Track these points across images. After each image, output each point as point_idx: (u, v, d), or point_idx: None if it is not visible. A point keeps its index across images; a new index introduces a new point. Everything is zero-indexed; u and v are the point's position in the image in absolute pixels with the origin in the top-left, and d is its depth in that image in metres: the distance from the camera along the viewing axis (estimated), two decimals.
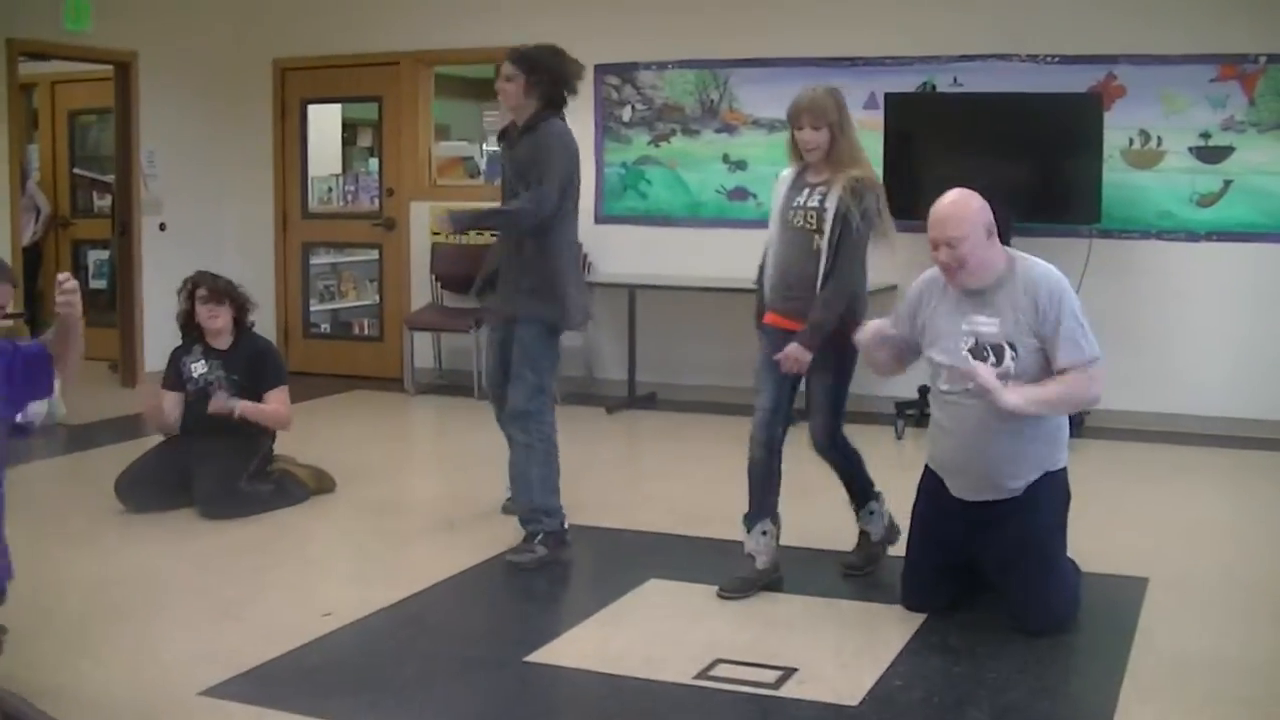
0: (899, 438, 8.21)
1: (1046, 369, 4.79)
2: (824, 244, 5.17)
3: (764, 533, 5.40)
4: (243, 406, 6.64)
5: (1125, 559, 5.75)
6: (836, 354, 5.30)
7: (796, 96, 5.28)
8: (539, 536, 5.82)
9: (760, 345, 5.46)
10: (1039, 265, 4.89)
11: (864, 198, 5.15)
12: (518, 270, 5.83)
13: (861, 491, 5.67)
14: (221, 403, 6.61)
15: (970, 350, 4.85)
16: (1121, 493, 7.01)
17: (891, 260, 5.56)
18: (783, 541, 5.46)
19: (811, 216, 5.22)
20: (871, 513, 5.67)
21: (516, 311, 5.86)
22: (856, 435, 8.42)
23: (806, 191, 5.27)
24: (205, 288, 6.77)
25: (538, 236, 5.77)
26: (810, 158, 5.25)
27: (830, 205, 5.16)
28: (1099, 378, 4.81)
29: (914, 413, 8.40)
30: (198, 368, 6.77)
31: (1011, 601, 4.89)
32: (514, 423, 5.90)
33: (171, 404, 6.80)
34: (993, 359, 4.81)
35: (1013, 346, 4.79)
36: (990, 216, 4.84)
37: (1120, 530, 6.29)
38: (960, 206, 4.83)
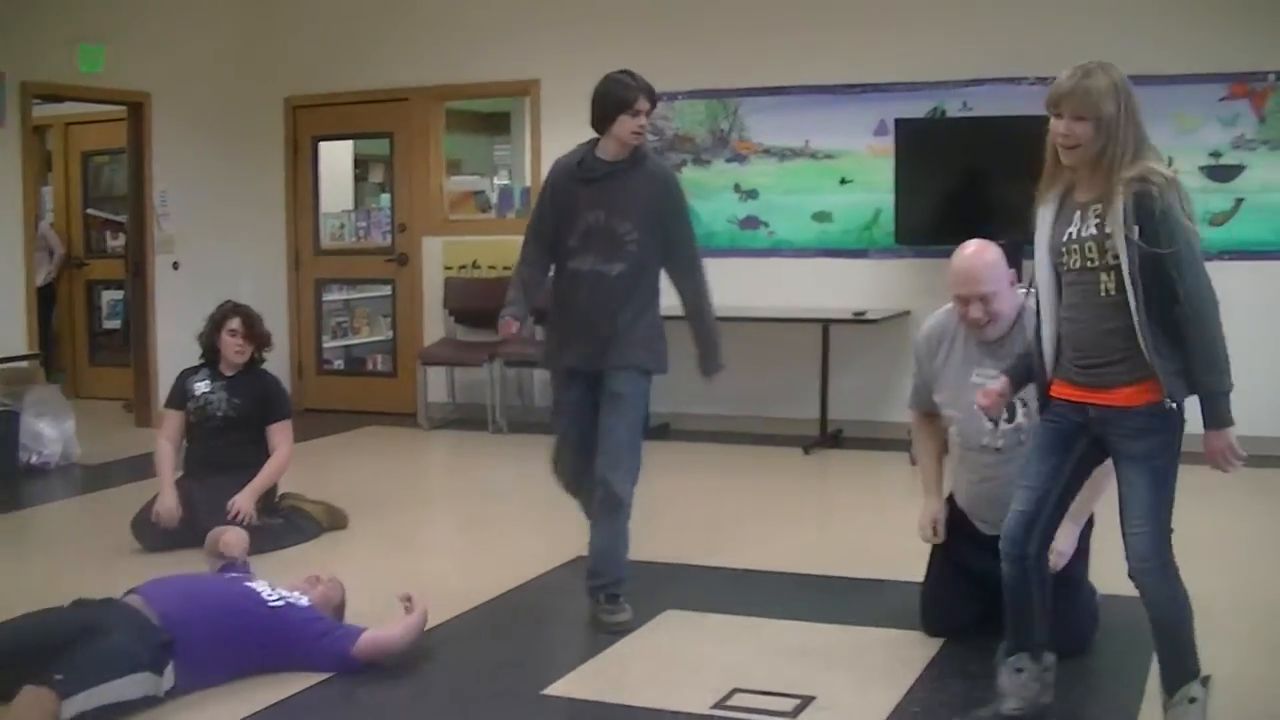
0: (913, 464, 8.17)
1: None
2: (1118, 287, 3.73)
3: (1019, 670, 4.17)
4: (247, 497, 6.48)
5: None
6: (1165, 429, 4.03)
7: (1060, 78, 3.93)
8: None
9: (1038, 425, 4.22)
10: None
11: (1157, 199, 3.67)
12: (628, 319, 5.51)
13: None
14: (237, 515, 6.39)
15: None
16: None
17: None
18: (800, 570, 5.38)
19: (1092, 250, 3.78)
20: (1193, 699, 4.02)
21: (627, 361, 5.48)
22: (870, 461, 8.35)
23: (1077, 216, 3.84)
24: (242, 323, 6.76)
25: (653, 284, 5.61)
26: (1067, 158, 3.82)
27: (1115, 228, 3.71)
28: None
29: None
30: (200, 387, 6.76)
31: None
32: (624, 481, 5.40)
33: (173, 423, 6.79)
34: (1004, 415, 4.75)
35: (1024, 401, 4.67)
36: (1006, 263, 4.77)
37: None
38: (987, 258, 4.68)
